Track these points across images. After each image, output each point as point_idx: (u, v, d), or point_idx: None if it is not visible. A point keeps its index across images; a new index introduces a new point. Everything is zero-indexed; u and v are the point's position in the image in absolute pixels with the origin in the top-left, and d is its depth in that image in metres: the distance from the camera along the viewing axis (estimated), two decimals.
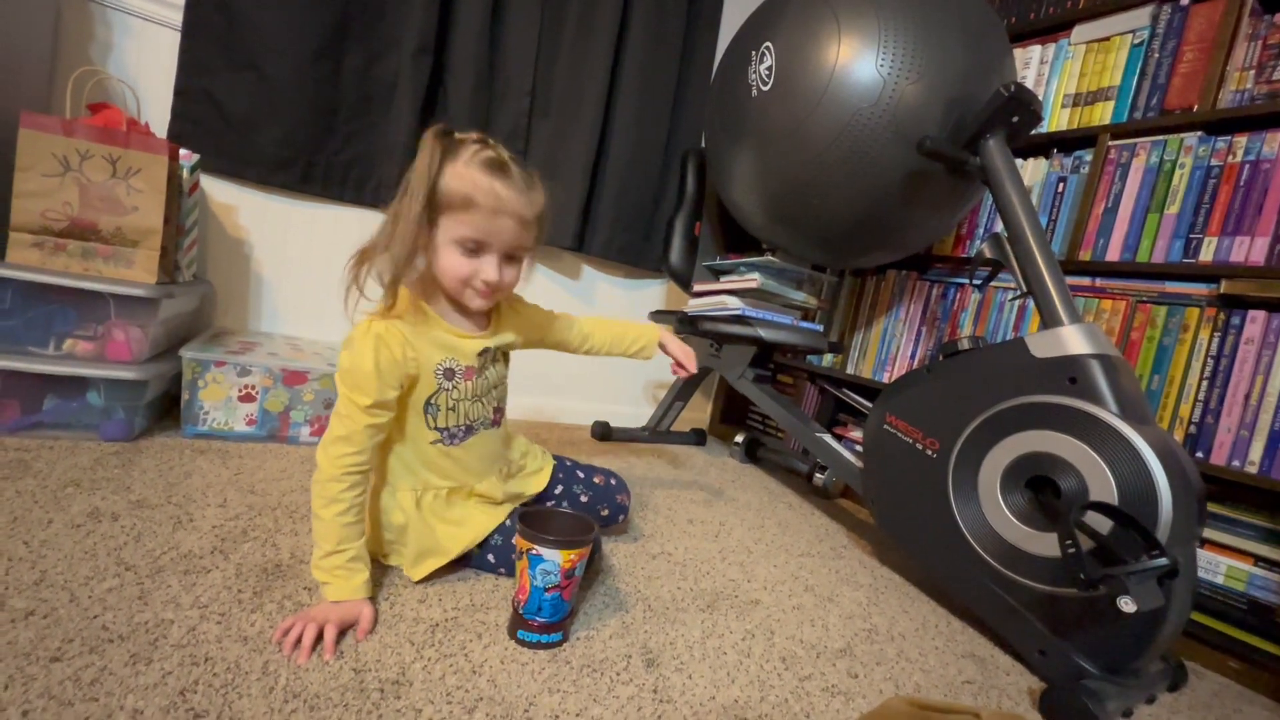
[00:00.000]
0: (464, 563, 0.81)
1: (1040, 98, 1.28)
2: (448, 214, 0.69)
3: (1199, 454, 1.05)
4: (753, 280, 1.44)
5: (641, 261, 1.82)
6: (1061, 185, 1.31)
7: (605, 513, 0.97)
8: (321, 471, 0.68)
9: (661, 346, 1.00)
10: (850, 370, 1.68)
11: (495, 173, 0.69)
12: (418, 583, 0.76)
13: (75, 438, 0.97)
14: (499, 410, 0.85)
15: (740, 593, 0.91)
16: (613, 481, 0.99)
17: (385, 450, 0.77)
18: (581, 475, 0.97)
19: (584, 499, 0.95)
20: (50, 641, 0.53)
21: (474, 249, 0.70)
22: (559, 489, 0.95)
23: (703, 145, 1.72)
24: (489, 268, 0.71)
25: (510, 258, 0.74)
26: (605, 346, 0.99)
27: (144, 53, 1.24)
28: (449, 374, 0.76)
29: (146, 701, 0.49)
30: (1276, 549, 0.96)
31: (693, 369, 0.99)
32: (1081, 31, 1.33)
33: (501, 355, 0.86)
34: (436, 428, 0.77)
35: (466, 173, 0.68)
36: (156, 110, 1.24)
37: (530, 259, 0.78)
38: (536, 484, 0.92)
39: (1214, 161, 1.11)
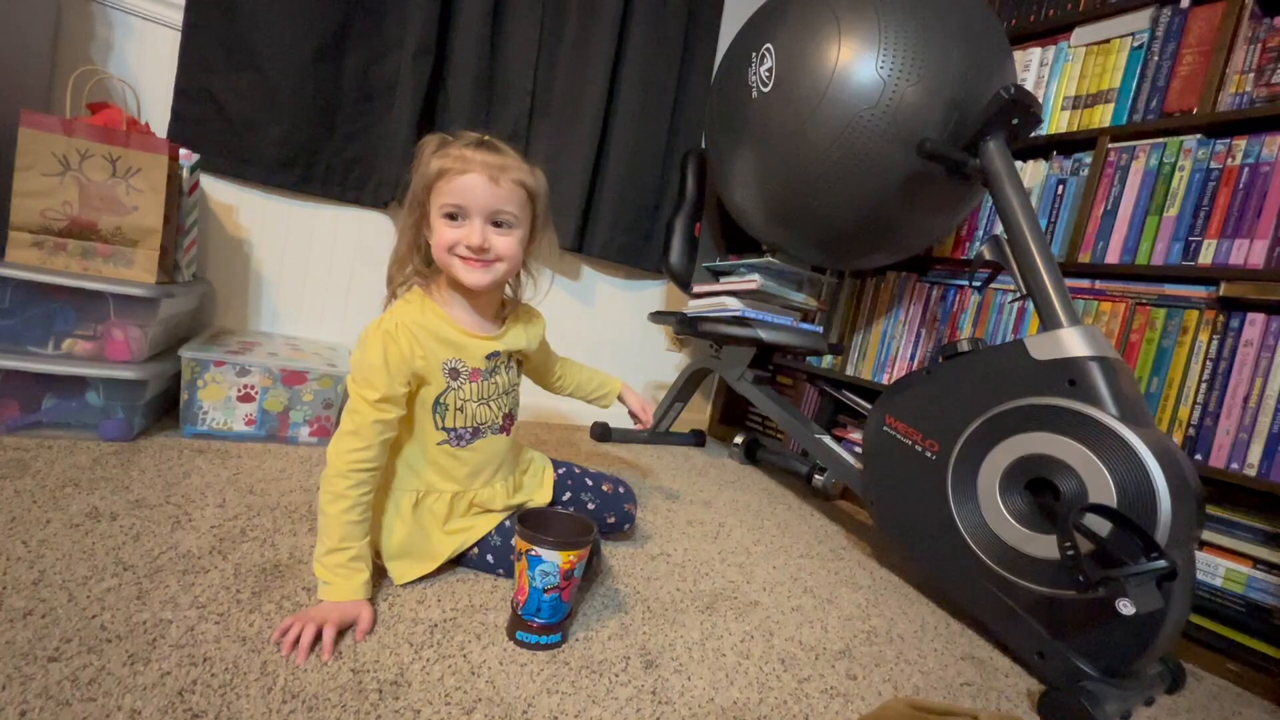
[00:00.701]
0: (459, 563, 0.81)
1: (1040, 100, 1.28)
2: (432, 194, 0.73)
3: (1198, 456, 1.05)
4: (752, 281, 1.45)
5: (641, 262, 1.82)
6: (1061, 187, 1.32)
7: (611, 520, 0.97)
8: (330, 467, 0.69)
9: (621, 399, 1.06)
10: (850, 372, 1.68)
11: (467, 144, 0.73)
12: (402, 585, 0.75)
13: (74, 437, 0.97)
14: (509, 417, 0.85)
15: (739, 594, 0.91)
16: (621, 490, 0.98)
17: (393, 453, 0.77)
18: (590, 483, 0.97)
19: (591, 506, 0.95)
20: (48, 641, 0.53)
21: (455, 215, 0.72)
22: (566, 495, 0.95)
23: (703, 146, 1.72)
24: (472, 232, 0.72)
25: (497, 224, 0.74)
26: (572, 388, 1.04)
27: (144, 52, 1.24)
28: (454, 374, 0.77)
29: (145, 701, 0.49)
30: (1275, 552, 0.96)
31: (648, 421, 1.07)
32: (1081, 34, 1.33)
33: (515, 362, 0.87)
34: (444, 428, 0.78)
35: (446, 152, 0.72)
36: (157, 110, 1.24)
37: (532, 241, 0.79)
38: (540, 500, 0.91)
39: (1213, 164, 1.11)
